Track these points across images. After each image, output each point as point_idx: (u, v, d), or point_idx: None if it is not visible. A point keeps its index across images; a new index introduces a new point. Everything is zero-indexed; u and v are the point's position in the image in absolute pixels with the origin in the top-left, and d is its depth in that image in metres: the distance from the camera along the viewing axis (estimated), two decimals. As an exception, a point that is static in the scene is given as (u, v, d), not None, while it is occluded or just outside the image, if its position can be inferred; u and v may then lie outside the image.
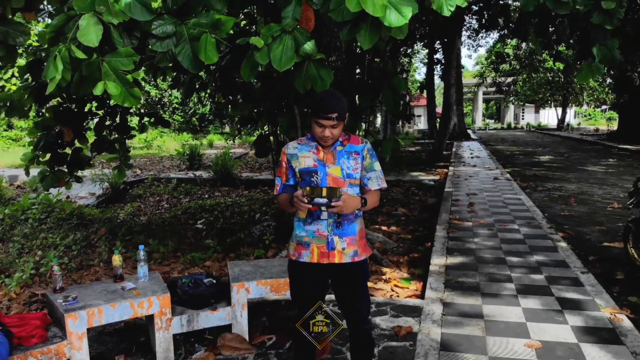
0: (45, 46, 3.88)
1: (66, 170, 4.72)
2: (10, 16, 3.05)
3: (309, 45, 2.49)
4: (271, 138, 5.39)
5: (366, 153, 2.04)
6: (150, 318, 2.65)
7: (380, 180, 2.06)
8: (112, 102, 5.15)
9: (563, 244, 4.86)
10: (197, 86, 5.51)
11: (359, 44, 2.61)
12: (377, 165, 2.07)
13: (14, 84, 19.50)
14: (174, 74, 5.18)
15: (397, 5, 2.16)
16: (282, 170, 2.06)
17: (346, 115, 1.94)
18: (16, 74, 18.23)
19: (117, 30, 2.30)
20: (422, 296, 3.71)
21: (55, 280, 2.56)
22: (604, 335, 2.91)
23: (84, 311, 2.36)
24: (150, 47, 2.70)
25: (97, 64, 2.30)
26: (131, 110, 5.37)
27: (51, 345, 2.28)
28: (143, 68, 4.94)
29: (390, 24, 2.18)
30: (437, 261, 4.35)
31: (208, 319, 2.77)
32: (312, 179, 1.98)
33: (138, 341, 2.93)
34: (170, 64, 3.53)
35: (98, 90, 2.19)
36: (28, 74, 3.95)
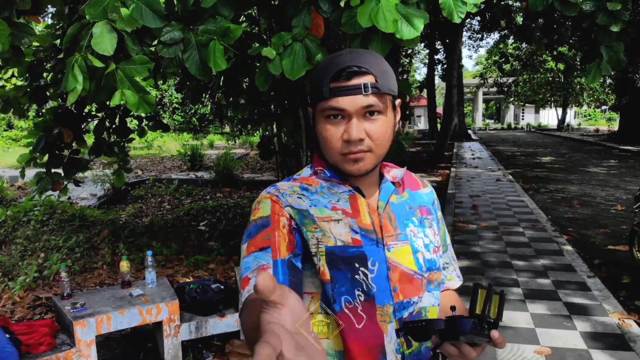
0: (44, 47, 3.88)
1: (63, 173, 4.70)
2: (15, 18, 3.04)
3: (319, 54, 2.48)
4: (275, 140, 5.38)
5: (437, 208, 1.03)
6: (158, 324, 2.63)
7: (458, 268, 1.08)
8: (112, 104, 5.13)
9: (568, 247, 4.85)
10: (201, 85, 5.49)
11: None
12: (447, 234, 1.06)
13: (14, 84, 19.47)
14: (176, 78, 5.17)
15: (409, 17, 2.15)
16: (274, 234, 0.83)
17: (396, 93, 0.88)
18: (16, 74, 18.19)
19: (131, 37, 2.29)
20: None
21: (63, 286, 2.55)
22: (613, 341, 2.90)
23: (92, 318, 2.34)
24: (157, 53, 2.69)
25: (113, 73, 2.29)
26: (131, 113, 5.33)
27: (60, 353, 2.26)
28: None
29: (402, 36, 2.16)
30: (443, 265, 4.34)
31: (216, 325, 2.75)
32: (355, 276, 0.83)
33: (145, 347, 2.91)
34: (178, 70, 3.53)
35: (116, 100, 2.18)
36: (27, 75, 3.94)
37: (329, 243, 0.84)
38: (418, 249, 0.90)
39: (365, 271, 0.84)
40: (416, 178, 1.04)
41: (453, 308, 0.79)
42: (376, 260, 0.85)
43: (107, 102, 5.10)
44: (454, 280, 1.05)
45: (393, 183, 0.95)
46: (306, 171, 0.96)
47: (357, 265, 0.84)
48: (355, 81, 0.82)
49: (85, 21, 2.22)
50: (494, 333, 0.75)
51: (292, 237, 0.84)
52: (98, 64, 2.09)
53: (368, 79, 0.83)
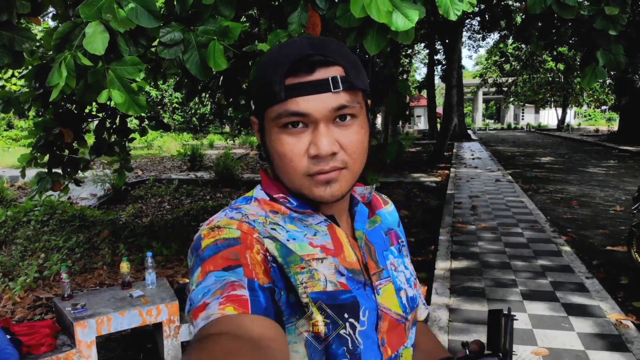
0: (51, 51, 3.89)
1: (63, 173, 4.70)
2: (15, 21, 3.05)
3: None
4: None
5: (402, 229, 0.87)
6: (158, 325, 2.65)
7: (422, 293, 0.87)
8: (112, 104, 5.15)
9: (567, 248, 4.86)
10: (199, 88, 5.52)
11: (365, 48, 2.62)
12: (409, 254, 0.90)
13: (14, 84, 19.50)
14: (176, 77, 5.18)
15: (404, 9, 2.16)
16: (245, 254, 0.59)
17: (369, 89, 0.69)
18: (16, 74, 18.22)
19: (124, 37, 2.30)
20: (427, 301, 3.72)
21: (63, 287, 2.56)
22: (610, 341, 2.92)
23: (93, 319, 2.35)
24: (158, 53, 2.70)
25: (102, 72, 2.31)
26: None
27: (60, 354, 2.28)
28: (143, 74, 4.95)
29: (397, 28, 2.18)
30: (442, 265, 4.36)
31: (216, 325, 2.77)
32: (341, 331, 0.64)
33: (145, 348, 2.93)
34: (179, 71, 3.56)
35: (103, 98, 2.19)
36: (33, 79, 3.95)
37: (315, 288, 0.62)
38: (401, 287, 0.73)
39: (355, 323, 0.64)
40: (378, 197, 0.84)
41: (466, 344, 0.65)
42: (367, 308, 0.66)
43: (107, 102, 5.13)
44: (421, 309, 0.83)
45: (361, 203, 0.75)
46: (260, 193, 0.72)
47: (345, 316, 0.63)
48: (321, 74, 0.62)
49: (78, 20, 2.24)
50: None
51: (269, 270, 0.60)
52: (87, 62, 2.11)
53: (336, 71, 0.62)
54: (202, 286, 0.55)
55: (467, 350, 0.65)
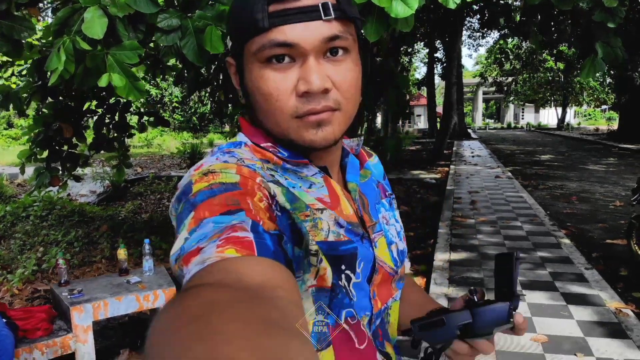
0: (50, 42, 3.88)
1: (61, 168, 4.70)
2: (14, 11, 3.05)
3: None
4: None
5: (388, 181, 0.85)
6: (155, 311, 2.64)
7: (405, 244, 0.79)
8: (111, 100, 5.15)
9: (566, 241, 4.86)
10: (200, 80, 5.51)
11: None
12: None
13: (14, 83, 19.51)
14: (174, 73, 5.18)
15: (403, -4, 2.17)
16: (246, 200, 0.50)
17: (360, 19, 0.60)
18: (16, 72, 18.24)
19: (123, 23, 2.30)
20: (426, 291, 3.71)
21: (60, 273, 2.56)
22: (610, 329, 2.91)
23: (89, 304, 2.35)
24: (154, 41, 2.70)
25: (101, 57, 2.31)
26: (131, 109, 5.34)
27: (56, 338, 2.27)
28: (143, 67, 4.95)
29: (397, 14, 2.19)
30: (441, 257, 4.35)
31: (213, 313, 2.76)
32: (338, 282, 0.60)
33: (142, 335, 2.92)
34: (175, 58, 3.55)
35: (103, 82, 2.19)
36: (34, 73, 3.95)
37: (317, 238, 0.58)
38: (392, 240, 0.72)
39: (350, 275, 0.61)
40: (363, 151, 0.80)
41: (473, 292, 0.62)
42: (362, 260, 0.63)
43: (106, 99, 5.12)
44: (407, 262, 0.80)
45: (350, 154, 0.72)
46: (245, 139, 0.65)
47: (342, 267, 0.61)
48: (309, 0, 0.54)
49: (77, 6, 2.24)
50: (518, 317, 0.59)
51: (275, 218, 0.52)
52: (86, 47, 2.11)
53: None
54: (198, 234, 0.46)
55: (475, 297, 0.62)
